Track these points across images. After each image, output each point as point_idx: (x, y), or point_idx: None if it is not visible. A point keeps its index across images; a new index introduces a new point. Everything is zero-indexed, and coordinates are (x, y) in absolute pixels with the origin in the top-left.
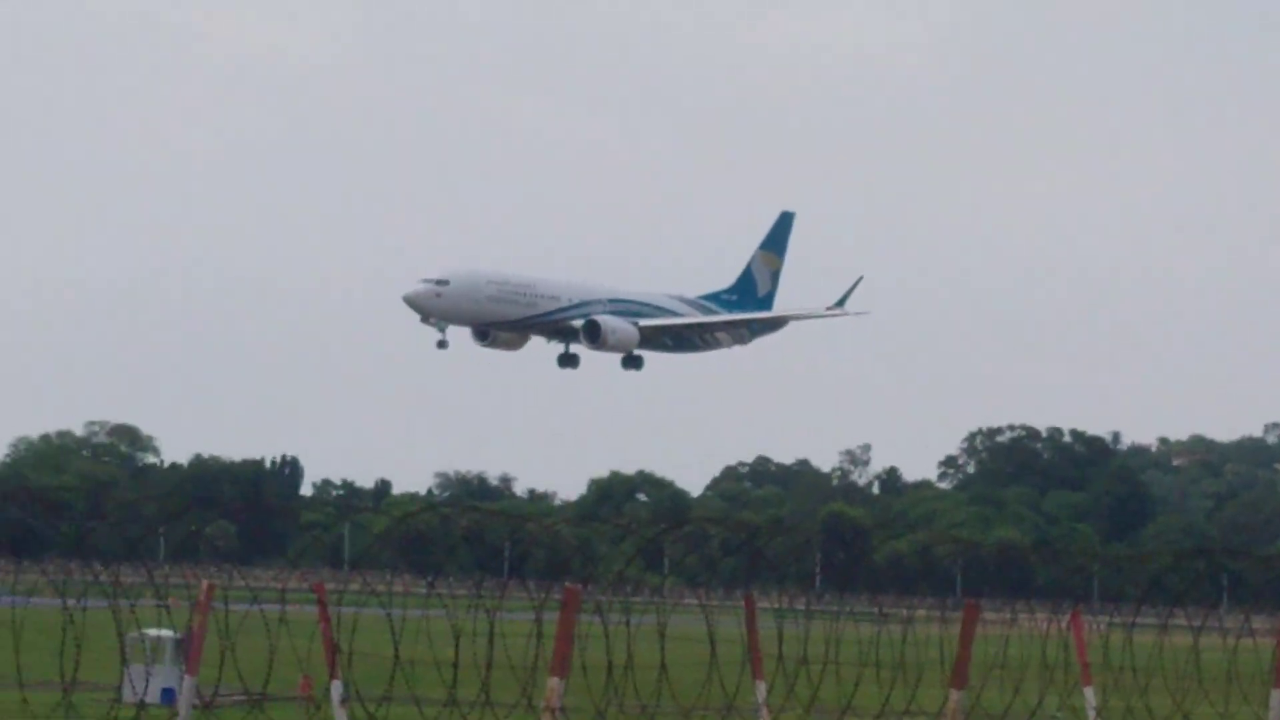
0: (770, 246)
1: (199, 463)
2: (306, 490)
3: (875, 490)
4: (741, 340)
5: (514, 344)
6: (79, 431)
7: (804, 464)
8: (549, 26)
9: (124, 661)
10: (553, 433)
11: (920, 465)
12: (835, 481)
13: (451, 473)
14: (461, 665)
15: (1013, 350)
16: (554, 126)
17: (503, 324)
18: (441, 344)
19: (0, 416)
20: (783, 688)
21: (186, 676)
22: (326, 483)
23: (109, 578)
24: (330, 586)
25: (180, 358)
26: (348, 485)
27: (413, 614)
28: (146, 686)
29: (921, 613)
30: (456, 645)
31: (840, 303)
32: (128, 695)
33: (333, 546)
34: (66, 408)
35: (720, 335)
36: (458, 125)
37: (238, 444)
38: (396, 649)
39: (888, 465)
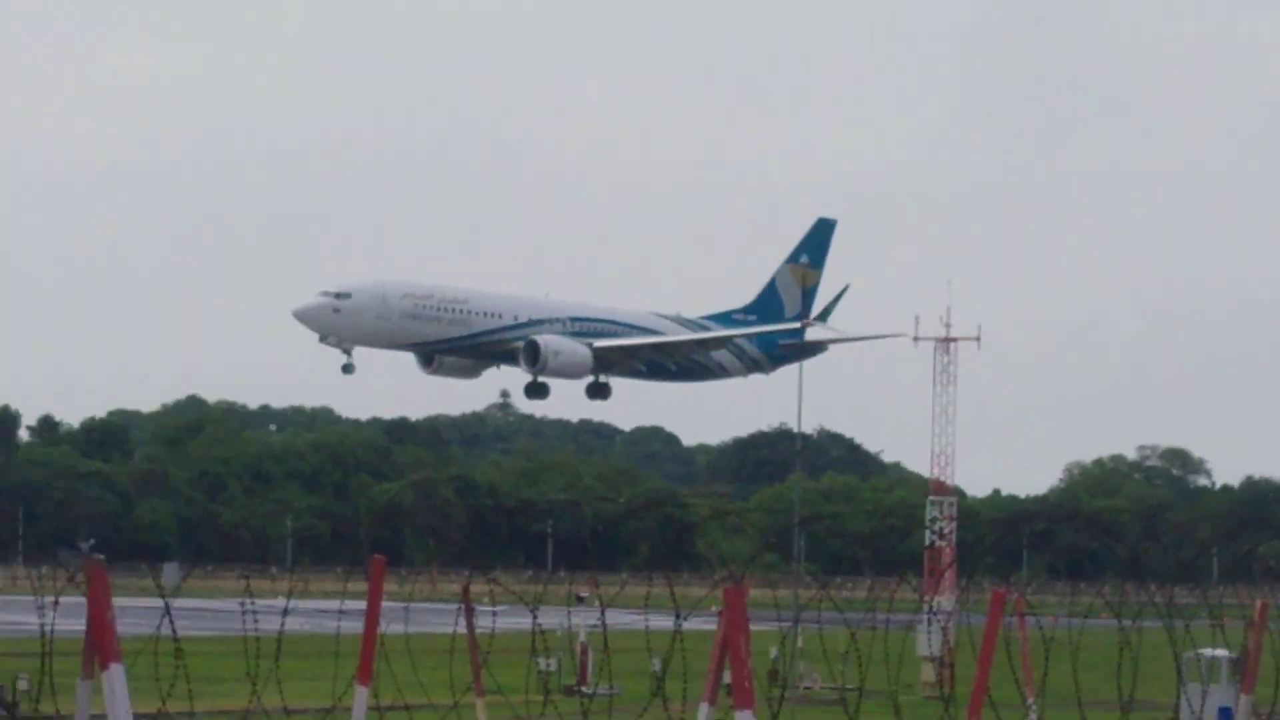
0: (802, 259)
1: (1250, 484)
2: None
3: None
4: (760, 368)
5: (467, 371)
6: (1131, 455)
7: None
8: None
9: (1180, 681)
10: None
11: None
12: None
13: None
14: None
15: None
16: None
17: (429, 346)
18: (347, 368)
19: (1055, 443)
20: None
21: (1242, 695)
22: None
23: (1163, 598)
24: None
25: (1231, 379)
26: None
27: None
28: (1203, 705)
29: None
30: None
31: (823, 316)
32: (1184, 714)
33: None
34: (1120, 432)
35: (724, 360)
36: None
37: None
38: None
39: None
